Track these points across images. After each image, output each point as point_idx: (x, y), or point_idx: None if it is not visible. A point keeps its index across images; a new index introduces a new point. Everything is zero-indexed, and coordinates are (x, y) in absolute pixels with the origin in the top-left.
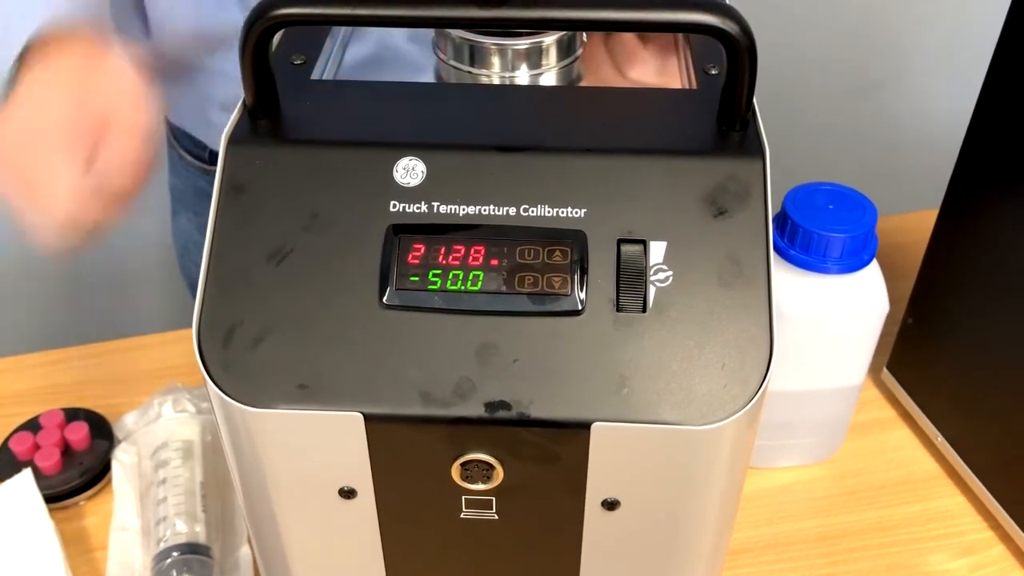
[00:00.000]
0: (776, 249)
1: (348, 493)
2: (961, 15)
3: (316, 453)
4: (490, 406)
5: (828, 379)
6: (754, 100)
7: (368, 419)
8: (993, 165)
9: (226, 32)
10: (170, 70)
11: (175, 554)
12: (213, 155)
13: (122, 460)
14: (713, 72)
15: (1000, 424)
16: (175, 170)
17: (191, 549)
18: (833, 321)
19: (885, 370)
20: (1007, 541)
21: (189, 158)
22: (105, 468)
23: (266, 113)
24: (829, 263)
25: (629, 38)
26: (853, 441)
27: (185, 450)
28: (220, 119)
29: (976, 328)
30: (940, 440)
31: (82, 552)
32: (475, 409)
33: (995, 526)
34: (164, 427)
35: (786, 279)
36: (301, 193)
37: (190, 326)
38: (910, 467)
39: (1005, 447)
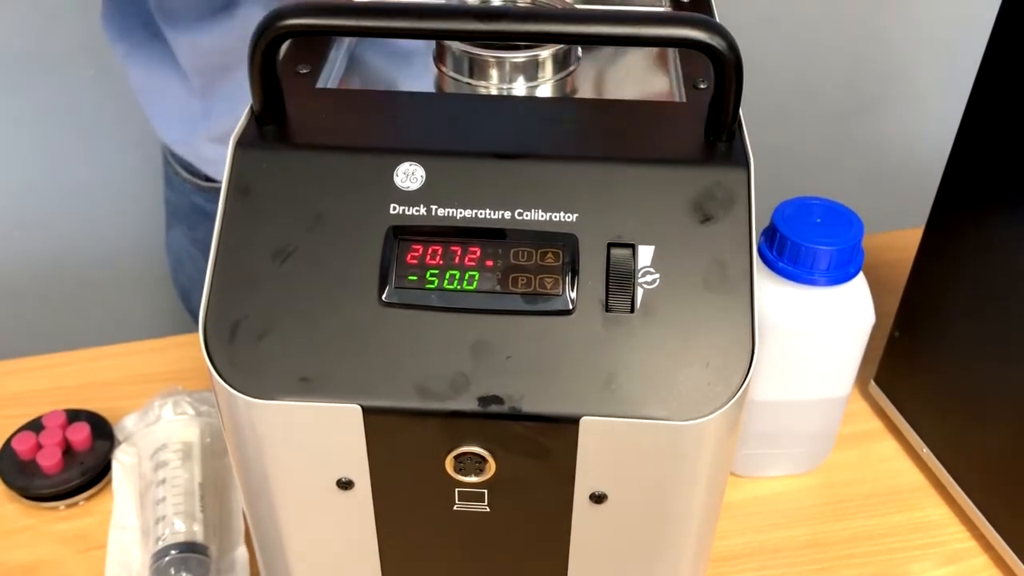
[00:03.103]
0: (764, 261)
1: (346, 484)
2: (948, 41)
3: (316, 444)
4: (483, 400)
5: (815, 390)
6: (740, 113)
7: (366, 411)
8: (976, 186)
9: (223, 63)
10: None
11: (173, 552)
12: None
13: (122, 460)
14: (702, 86)
15: (984, 436)
16: (171, 184)
17: (189, 548)
18: (820, 332)
19: (872, 383)
20: (989, 550)
21: (185, 174)
22: (105, 468)
23: (272, 119)
24: (816, 275)
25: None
26: (840, 452)
27: (184, 451)
28: (211, 152)
29: (961, 342)
30: (925, 451)
31: (82, 550)
32: (469, 403)
33: (978, 536)
34: (164, 429)
35: (774, 291)
36: (305, 195)
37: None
38: (896, 478)
39: (989, 459)
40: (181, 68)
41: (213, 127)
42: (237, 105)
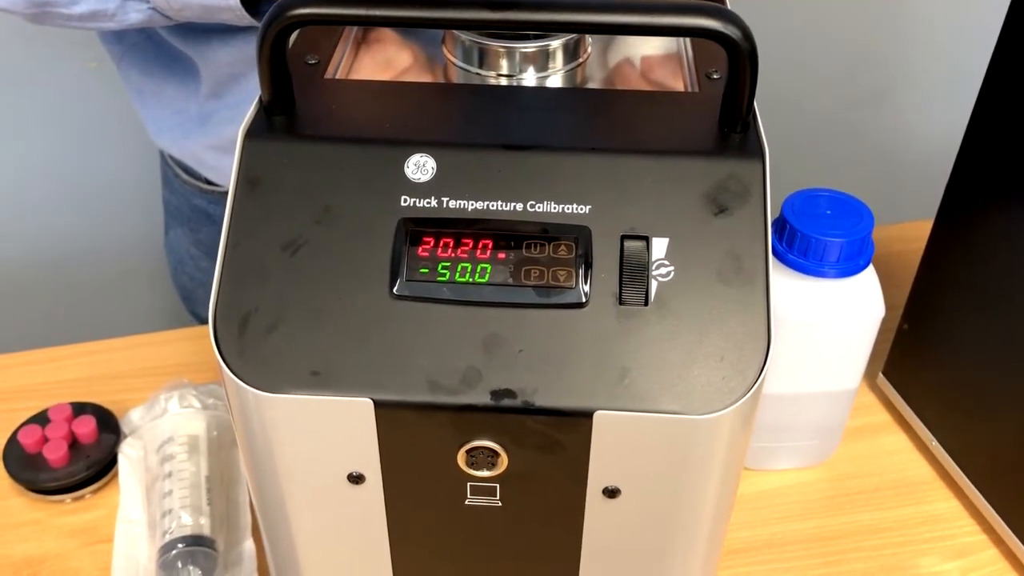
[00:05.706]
0: (774, 253)
1: (357, 479)
2: (959, 30)
3: (326, 438)
4: (496, 394)
5: (824, 382)
6: (755, 103)
7: (378, 405)
8: (986, 177)
9: (223, 73)
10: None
11: (180, 546)
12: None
13: (128, 454)
14: (715, 76)
15: (993, 429)
16: (170, 186)
17: (196, 541)
18: (829, 324)
19: (881, 375)
20: (999, 544)
21: (185, 176)
22: (112, 461)
23: (282, 110)
24: (826, 267)
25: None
26: (849, 444)
27: (191, 445)
28: (213, 159)
29: (970, 334)
30: (934, 444)
31: (88, 544)
32: (481, 397)
33: (987, 529)
34: (170, 422)
35: (784, 283)
36: (315, 187)
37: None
38: (904, 471)
39: (998, 451)
40: (176, 71)
41: (213, 134)
42: (240, 114)
